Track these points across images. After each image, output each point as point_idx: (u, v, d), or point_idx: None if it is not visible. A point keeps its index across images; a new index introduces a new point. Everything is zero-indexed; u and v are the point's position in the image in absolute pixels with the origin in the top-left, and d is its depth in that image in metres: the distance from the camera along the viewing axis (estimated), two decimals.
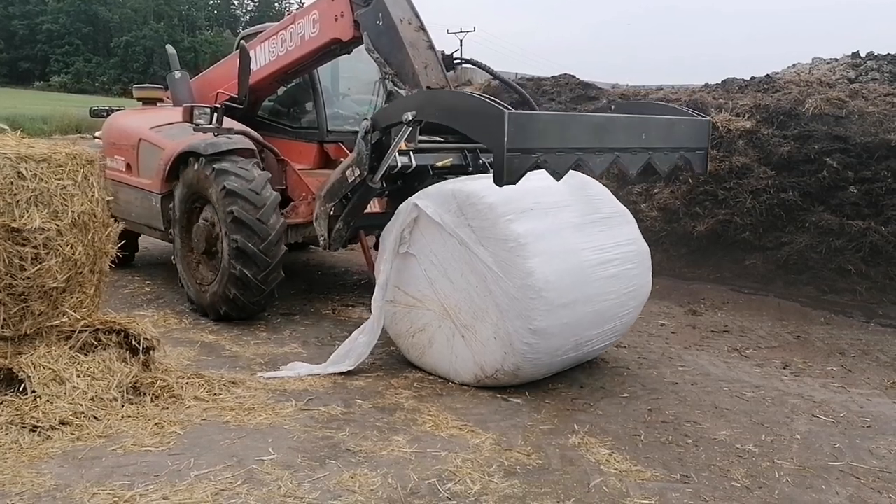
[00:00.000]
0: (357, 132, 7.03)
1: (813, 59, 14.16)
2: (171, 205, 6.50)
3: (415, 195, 5.08)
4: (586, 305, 4.81)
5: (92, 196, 4.52)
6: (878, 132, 9.01)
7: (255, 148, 6.32)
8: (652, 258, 8.75)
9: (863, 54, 13.22)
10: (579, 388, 5.03)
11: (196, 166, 6.11)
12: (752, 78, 12.72)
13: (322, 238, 5.66)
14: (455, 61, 6.50)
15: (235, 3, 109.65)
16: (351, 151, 6.83)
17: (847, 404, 4.93)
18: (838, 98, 9.96)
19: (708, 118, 5.47)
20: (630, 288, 5.20)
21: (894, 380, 5.46)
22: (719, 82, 12.46)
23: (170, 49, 8.35)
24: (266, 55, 6.78)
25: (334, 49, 6.26)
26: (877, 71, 12.33)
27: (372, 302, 5.18)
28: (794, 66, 14.37)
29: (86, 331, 4.50)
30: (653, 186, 9.68)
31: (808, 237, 8.24)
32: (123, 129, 7.46)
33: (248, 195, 5.80)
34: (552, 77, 13.96)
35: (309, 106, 7.29)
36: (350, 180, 5.43)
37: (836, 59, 13.65)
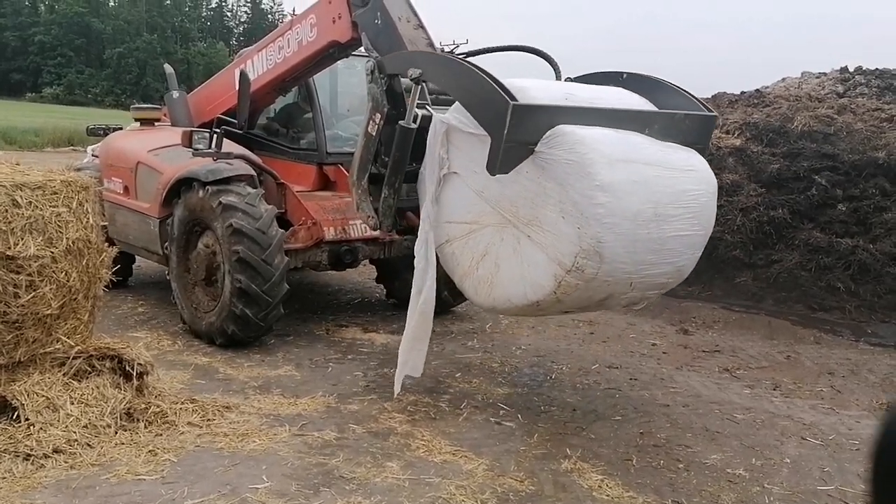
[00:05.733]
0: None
1: (802, 74, 14.29)
2: (170, 223, 6.41)
3: (436, 116, 4.87)
4: (648, 168, 4.36)
5: (86, 222, 4.54)
6: (866, 150, 9.11)
7: (255, 173, 6.28)
8: None
9: (851, 69, 13.36)
10: (572, 410, 5.06)
11: (198, 193, 6.04)
12: (742, 93, 12.85)
13: (371, 219, 5.27)
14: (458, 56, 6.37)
15: (229, 14, 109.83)
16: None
17: (836, 426, 4.97)
18: (826, 115, 10.07)
19: (715, 114, 5.19)
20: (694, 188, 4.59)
21: (883, 400, 5.51)
22: (709, 97, 12.57)
23: (168, 68, 8.31)
24: (264, 63, 6.76)
25: (333, 52, 6.23)
26: (865, 85, 12.45)
27: (412, 297, 4.91)
28: (783, 80, 14.50)
29: (79, 357, 4.51)
30: None
31: (797, 255, 8.30)
32: (121, 152, 7.42)
33: (255, 235, 5.73)
34: None
35: (307, 126, 7.26)
36: (375, 134, 5.15)
37: (825, 74, 13.79)
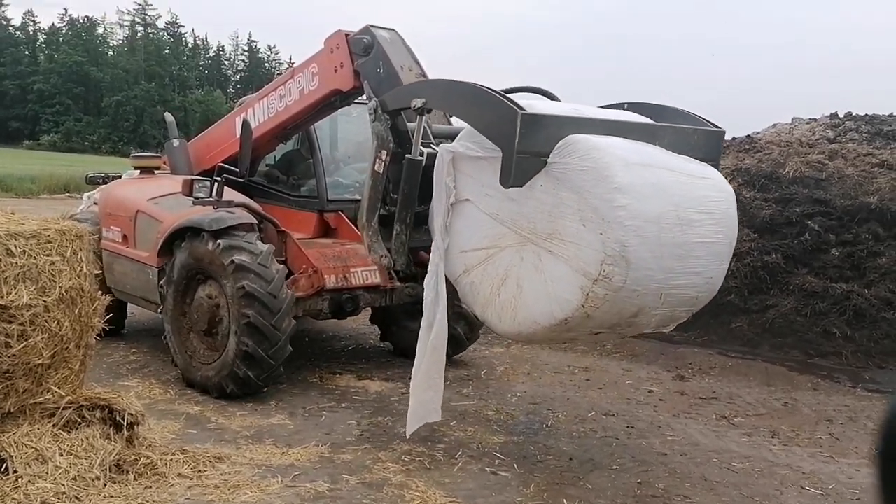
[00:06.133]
0: (357, 200, 6.77)
1: (793, 119, 14.43)
2: (169, 266, 6.29)
3: (441, 146, 4.90)
4: (665, 173, 4.29)
5: (80, 271, 4.52)
6: (858, 195, 9.17)
7: (256, 221, 6.24)
8: None
9: (841, 115, 13.51)
10: (568, 459, 5.00)
11: (206, 244, 5.94)
12: (734, 138, 12.96)
13: (385, 259, 5.18)
14: None
15: (226, 63, 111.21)
16: (352, 221, 6.81)
17: (836, 475, 4.92)
18: (818, 161, 10.16)
19: (723, 129, 5.10)
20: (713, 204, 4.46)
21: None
22: None
23: (168, 117, 8.30)
24: (265, 112, 6.78)
25: (335, 101, 6.29)
26: (855, 131, 12.57)
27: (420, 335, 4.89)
28: (774, 125, 14.64)
29: (70, 407, 4.45)
30: None
31: (792, 300, 8.30)
32: (120, 200, 7.36)
33: (267, 300, 5.66)
34: None
35: (308, 173, 7.27)
36: (382, 171, 5.16)
37: (816, 119, 13.93)
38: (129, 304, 7.69)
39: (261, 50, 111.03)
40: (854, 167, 9.92)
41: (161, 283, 6.40)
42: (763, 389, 6.89)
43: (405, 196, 4.98)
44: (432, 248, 4.85)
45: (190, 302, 6.22)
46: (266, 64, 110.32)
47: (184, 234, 6.16)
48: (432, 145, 5.19)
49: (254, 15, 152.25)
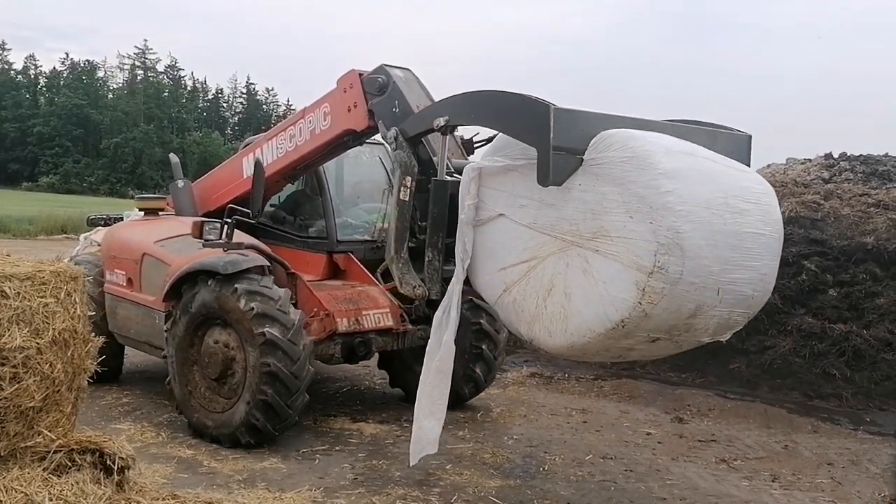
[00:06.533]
0: (367, 241, 6.98)
1: (787, 160, 14.51)
2: (175, 309, 6.07)
3: (467, 166, 4.84)
4: (707, 161, 4.20)
5: (74, 313, 4.48)
6: (854, 235, 9.19)
7: (268, 264, 6.06)
8: (635, 362, 8.87)
9: (835, 155, 13.58)
10: None
11: (213, 285, 5.78)
12: None
13: (419, 289, 5.07)
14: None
15: (224, 105, 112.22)
16: (362, 262, 6.83)
17: None
18: (813, 201, 10.19)
19: (749, 134, 5.02)
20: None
21: (885, 493, 5.39)
22: None
23: (173, 158, 8.19)
24: (274, 152, 6.71)
25: (347, 140, 6.25)
26: (850, 171, 12.62)
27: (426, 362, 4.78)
28: (768, 166, 14.72)
29: (60, 451, 4.38)
30: None
31: (790, 341, 8.26)
32: (125, 243, 7.19)
33: (278, 316, 5.53)
34: None
35: (315, 214, 7.19)
36: (408, 199, 5.09)
37: (810, 160, 14.00)
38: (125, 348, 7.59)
39: (259, 92, 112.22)
40: (850, 207, 9.95)
41: (167, 327, 6.19)
42: (763, 432, 6.82)
43: (434, 220, 4.89)
44: (455, 272, 4.75)
45: (198, 348, 6.02)
46: (264, 106, 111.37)
47: (193, 277, 5.99)
48: (454, 174, 5.11)
49: (252, 58, 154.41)
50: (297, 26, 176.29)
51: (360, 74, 5.86)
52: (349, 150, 6.82)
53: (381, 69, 5.72)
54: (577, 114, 4.19)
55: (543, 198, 4.27)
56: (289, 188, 7.43)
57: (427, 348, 4.82)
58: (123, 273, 7.03)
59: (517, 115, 4.26)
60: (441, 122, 4.71)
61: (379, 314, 6.37)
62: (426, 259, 4.95)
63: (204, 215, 7.10)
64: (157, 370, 7.87)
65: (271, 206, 7.52)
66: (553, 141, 3.96)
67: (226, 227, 5.96)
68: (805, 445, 6.46)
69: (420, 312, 6.58)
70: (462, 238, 4.70)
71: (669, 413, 7.33)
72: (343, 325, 6.15)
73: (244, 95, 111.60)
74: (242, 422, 5.63)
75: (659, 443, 6.42)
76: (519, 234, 4.46)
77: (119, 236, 7.44)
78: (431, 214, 4.91)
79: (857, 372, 7.82)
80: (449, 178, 4.90)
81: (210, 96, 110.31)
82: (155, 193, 8.55)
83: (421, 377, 4.85)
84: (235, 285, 5.66)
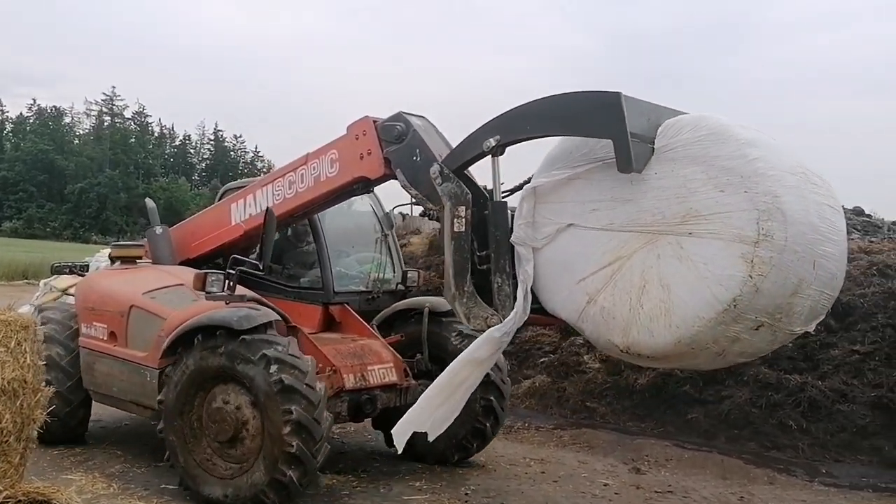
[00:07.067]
0: (362, 292, 6.92)
1: None
2: (177, 371, 5.56)
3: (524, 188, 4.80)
4: (775, 140, 4.18)
5: (24, 362, 4.46)
6: None
7: (279, 318, 5.69)
8: (595, 411, 8.91)
9: None
10: None
11: (225, 341, 5.34)
12: None
13: (494, 318, 4.76)
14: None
15: (192, 151, 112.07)
16: (359, 313, 6.65)
17: None
18: None
19: None
20: None
21: None
22: None
23: (149, 203, 7.69)
24: (269, 198, 6.41)
25: (356, 188, 6.09)
26: None
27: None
28: None
29: (7, 502, 4.31)
30: None
31: (747, 391, 8.34)
32: (107, 294, 6.66)
33: (293, 361, 5.18)
34: None
35: (306, 263, 6.97)
36: (465, 228, 4.87)
37: None
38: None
39: (227, 139, 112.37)
40: None
41: (164, 387, 5.68)
42: (719, 483, 6.85)
43: (498, 242, 4.79)
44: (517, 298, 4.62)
45: (200, 409, 5.57)
46: (231, 153, 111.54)
47: (198, 332, 5.51)
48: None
49: (221, 105, 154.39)
50: (266, 74, 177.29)
51: (375, 121, 5.73)
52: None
53: (400, 116, 5.58)
54: (641, 102, 4.20)
55: (616, 196, 4.21)
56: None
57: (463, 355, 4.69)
58: (105, 326, 6.53)
59: (584, 111, 4.22)
60: (492, 142, 4.64)
61: (384, 369, 6.18)
62: (495, 286, 4.78)
63: (181, 263, 6.89)
64: (111, 420, 7.76)
65: (253, 254, 6.90)
66: (629, 126, 3.97)
67: (229, 278, 5.66)
68: (761, 497, 6.50)
69: (422, 367, 6.49)
70: (521, 261, 4.64)
71: (627, 463, 7.35)
72: (350, 381, 5.92)
73: (212, 142, 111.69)
74: (267, 481, 5.15)
75: (616, 493, 6.42)
76: (595, 239, 4.35)
77: (98, 287, 6.95)
78: (495, 238, 4.80)
79: (812, 423, 7.90)
80: (506, 200, 4.84)
81: (177, 142, 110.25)
82: (120, 239, 8.36)
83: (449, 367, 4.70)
84: (244, 337, 5.27)
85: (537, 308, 4.82)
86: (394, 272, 7.34)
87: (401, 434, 4.73)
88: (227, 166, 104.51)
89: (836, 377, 8.23)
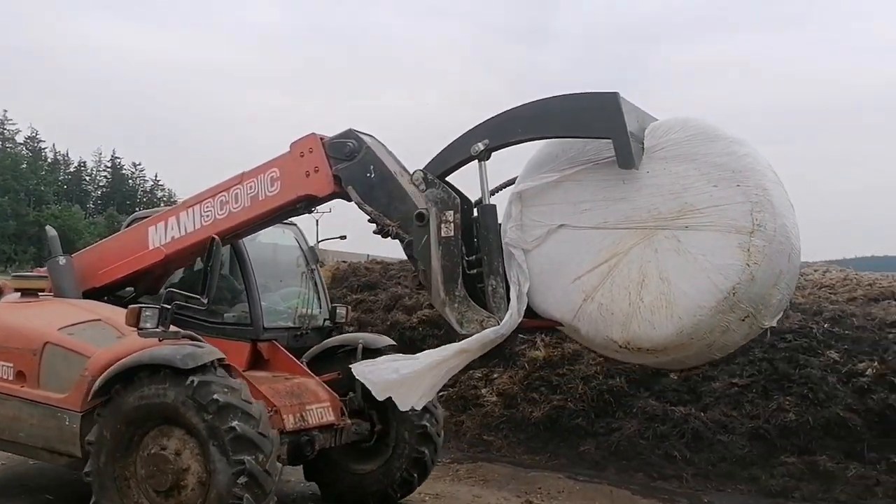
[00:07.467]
0: (290, 328, 6.66)
1: None
2: (107, 414, 5.19)
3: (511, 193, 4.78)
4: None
5: None
6: None
7: (222, 356, 5.35)
8: (492, 444, 9.00)
9: None
10: None
11: (167, 380, 5.00)
12: None
13: (490, 320, 4.65)
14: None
15: (87, 179, 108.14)
16: (288, 350, 6.43)
17: None
18: None
19: None
20: None
21: None
22: None
23: (50, 231, 7.18)
24: (197, 220, 6.03)
25: (300, 206, 5.84)
26: None
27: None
28: None
29: None
30: (492, 371, 9.96)
31: (636, 423, 8.60)
32: (14, 330, 6.08)
33: (244, 406, 4.89)
34: (400, 261, 14.24)
35: (230, 298, 6.65)
36: (453, 232, 4.80)
37: None
38: None
39: (125, 167, 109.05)
40: None
41: (90, 432, 5.25)
42: None
43: (490, 244, 4.73)
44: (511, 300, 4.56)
45: (134, 453, 5.19)
46: (130, 181, 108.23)
47: (133, 373, 5.15)
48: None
49: (118, 132, 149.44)
50: (165, 102, 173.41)
51: (322, 138, 5.55)
52: (260, 231, 6.44)
53: (351, 133, 5.44)
54: (630, 104, 4.35)
55: (609, 195, 4.33)
56: (183, 269, 6.78)
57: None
58: (10, 365, 5.97)
59: (581, 111, 4.32)
60: (480, 146, 4.63)
61: (321, 409, 5.97)
62: (489, 289, 4.70)
63: (85, 293, 6.45)
64: None
65: (166, 287, 6.38)
66: (627, 124, 4.11)
67: (163, 314, 5.35)
68: None
69: (355, 405, 6.29)
70: (513, 263, 4.64)
71: (521, 496, 7.43)
72: (290, 422, 5.66)
73: (108, 169, 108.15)
74: None
75: None
76: (588, 238, 4.43)
77: (1, 321, 6.30)
78: (487, 241, 4.75)
79: (696, 453, 8.19)
80: (494, 203, 4.81)
81: (72, 169, 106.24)
82: (8, 269, 7.69)
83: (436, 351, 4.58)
84: (192, 378, 4.94)
85: (526, 311, 4.76)
86: (320, 308, 7.15)
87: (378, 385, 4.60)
88: (124, 194, 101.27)
89: (717, 409, 8.56)
